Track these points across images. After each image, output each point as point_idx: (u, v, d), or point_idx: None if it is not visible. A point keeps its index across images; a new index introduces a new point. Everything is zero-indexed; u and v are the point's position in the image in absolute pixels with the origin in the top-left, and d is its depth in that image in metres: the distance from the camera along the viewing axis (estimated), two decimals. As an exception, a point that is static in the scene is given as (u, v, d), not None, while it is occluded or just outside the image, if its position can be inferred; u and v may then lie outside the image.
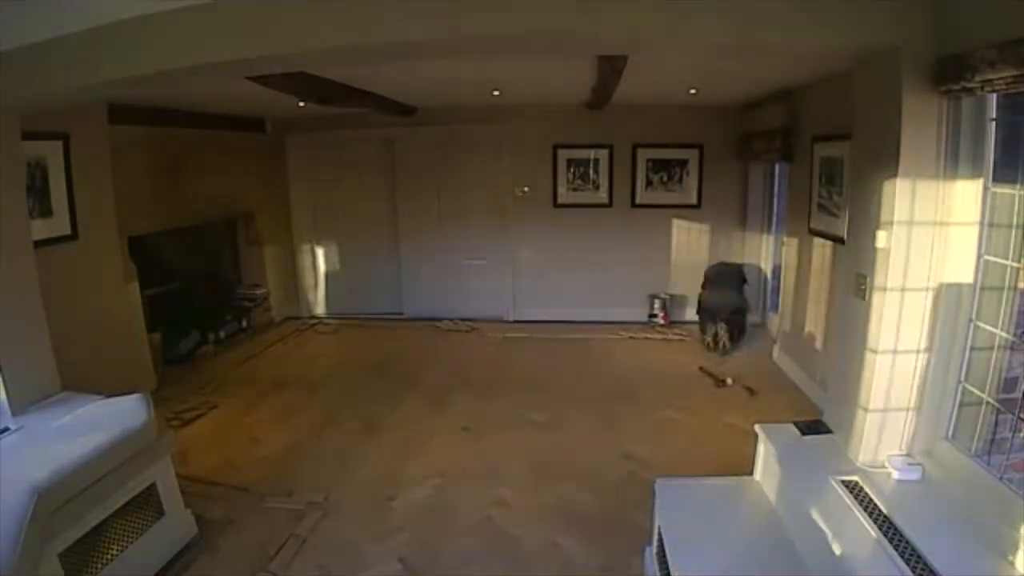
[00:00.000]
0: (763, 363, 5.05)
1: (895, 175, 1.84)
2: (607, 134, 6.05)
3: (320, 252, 6.79)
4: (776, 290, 5.73)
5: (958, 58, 1.62)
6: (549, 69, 4.00)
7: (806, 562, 1.90)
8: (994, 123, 1.77)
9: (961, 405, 1.91)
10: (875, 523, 1.74)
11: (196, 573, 2.62)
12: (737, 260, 6.07)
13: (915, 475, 1.93)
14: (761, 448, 2.36)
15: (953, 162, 1.81)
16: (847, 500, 1.86)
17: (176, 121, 4.97)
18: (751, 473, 2.44)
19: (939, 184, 1.82)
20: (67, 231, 3.66)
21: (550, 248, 6.36)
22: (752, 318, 6.14)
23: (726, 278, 5.66)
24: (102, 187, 3.97)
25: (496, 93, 5.17)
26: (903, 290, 1.90)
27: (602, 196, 6.21)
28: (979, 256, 1.82)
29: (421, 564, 2.65)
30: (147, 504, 2.59)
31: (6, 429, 2.42)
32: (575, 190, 6.24)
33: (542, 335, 5.96)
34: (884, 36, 1.79)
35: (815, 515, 1.82)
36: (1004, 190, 1.77)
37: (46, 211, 3.53)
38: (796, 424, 2.37)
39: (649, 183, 6.15)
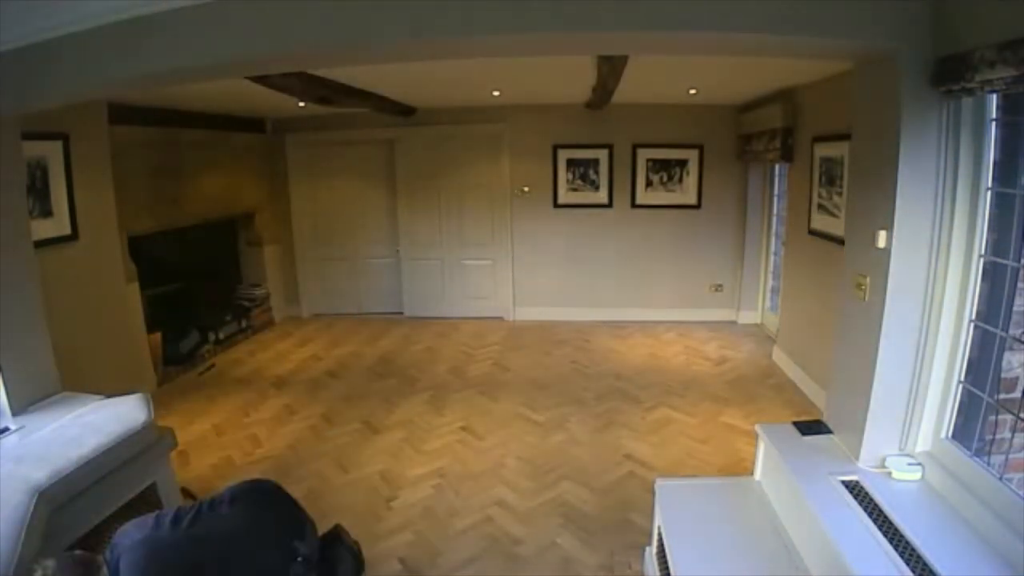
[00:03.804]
0: (763, 363, 5.05)
1: (895, 175, 1.84)
2: (607, 134, 6.05)
3: (320, 252, 6.79)
4: (776, 290, 5.73)
5: (958, 58, 1.62)
6: (549, 69, 4.01)
7: (806, 562, 1.90)
8: (994, 123, 1.77)
9: (961, 405, 1.92)
10: (875, 523, 1.74)
11: (196, 573, 2.62)
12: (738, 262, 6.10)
13: (915, 475, 1.93)
14: (761, 448, 2.36)
15: (953, 162, 1.81)
16: (847, 500, 1.87)
17: (176, 121, 4.98)
18: (751, 473, 2.44)
19: (939, 184, 1.82)
20: (67, 231, 3.66)
21: (550, 248, 6.37)
22: (751, 318, 6.16)
23: None
24: (102, 187, 3.97)
25: (496, 93, 5.18)
26: (903, 290, 1.90)
27: (602, 196, 6.21)
28: (979, 256, 1.82)
29: (421, 564, 2.65)
30: (147, 504, 2.58)
31: (6, 429, 2.41)
32: (575, 190, 6.24)
33: (542, 335, 5.96)
34: (884, 36, 1.78)
35: (815, 515, 1.82)
36: (1004, 190, 1.77)
37: (46, 211, 3.53)
38: (796, 424, 2.37)
39: (649, 183, 6.15)
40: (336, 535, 1.92)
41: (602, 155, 6.14)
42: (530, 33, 1.87)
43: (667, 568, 2.07)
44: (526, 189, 6.27)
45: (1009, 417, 1.78)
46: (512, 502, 3.11)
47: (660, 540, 2.26)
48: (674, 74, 4.25)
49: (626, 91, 4.58)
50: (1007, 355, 1.79)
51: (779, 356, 5.01)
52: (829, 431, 2.29)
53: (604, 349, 5.51)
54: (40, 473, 2.07)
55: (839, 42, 1.86)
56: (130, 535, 1.55)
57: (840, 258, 2.28)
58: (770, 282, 6.02)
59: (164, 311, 5.08)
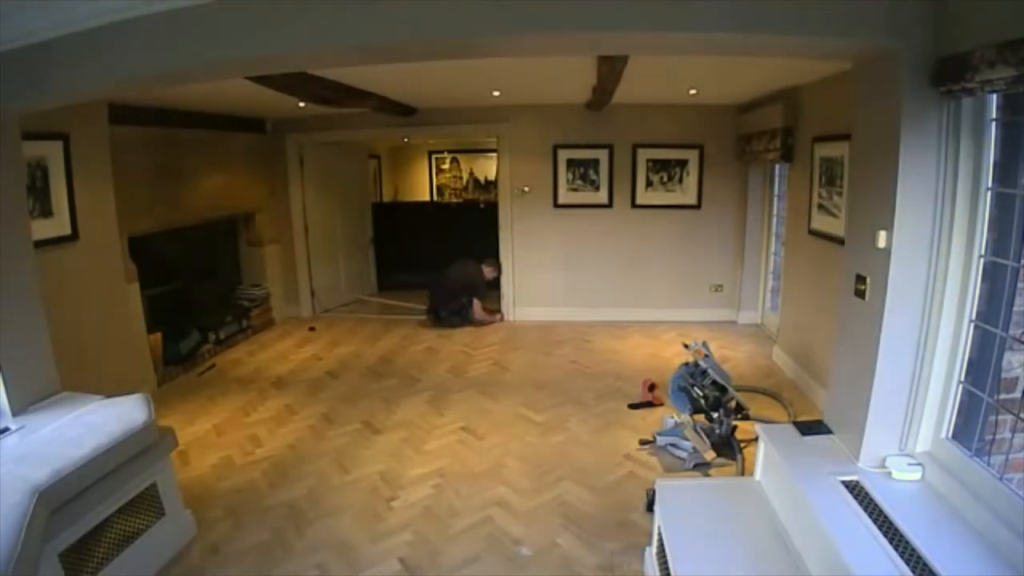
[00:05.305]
0: (763, 363, 5.05)
1: (895, 175, 1.84)
2: (607, 134, 6.05)
3: (320, 252, 6.79)
4: (776, 290, 5.73)
5: (958, 58, 1.62)
6: (549, 69, 4.01)
7: (806, 562, 1.90)
8: (994, 123, 1.77)
9: (961, 405, 1.92)
10: (875, 523, 1.75)
11: (196, 573, 2.62)
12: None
13: (915, 475, 1.93)
14: (761, 448, 2.36)
15: (953, 162, 1.81)
16: (847, 500, 1.87)
17: (176, 121, 4.98)
18: (751, 473, 2.44)
19: (939, 184, 1.82)
20: (67, 231, 3.66)
21: (550, 248, 6.37)
22: (751, 318, 6.16)
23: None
24: (102, 187, 3.97)
25: (496, 93, 5.18)
26: (903, 290, 1.90)
27: (602, 196, 6.21)
28: (979, 256, 1.82)
29: (421, 564, 2.65)
30: (147, 504, 2.59)
31: (6, 429, 2.42)
32: (575, 190, 6.24)
33: (542, 335, 5.96)
34: (884, 36, 1.79)
35: (815, 515, 1.82)
36: (1004, 190, 1.77)
37: (46, 211, 3.53)
38: (796, 424, 2.37)
39: (649, 183, 6.15)
40: None
41: (602, 155, 6.13)
42: (531, 33, 1.87)
43: (667, 568, 2.07)
44: (526, 189, 6.27)
45: (1009, 417, 1.79)
46: (512, 502, 3.11)
47: (660, 540, 2.26)
48: (674, 74, 4.25)
49: (626, 91, 4.58)
50: (1007, 355, 1.79)
51: (779, 356, 5.01)
52: (829, 431, 2.29)
53: (604, 349, 5.51)
54: (40, 473, 2.07)
55: (839, 42, 1.86)
56: None
57: (840, 258, 2.28)
58: (770, 282, 6.01)
59: (164, 311, 5.08)
